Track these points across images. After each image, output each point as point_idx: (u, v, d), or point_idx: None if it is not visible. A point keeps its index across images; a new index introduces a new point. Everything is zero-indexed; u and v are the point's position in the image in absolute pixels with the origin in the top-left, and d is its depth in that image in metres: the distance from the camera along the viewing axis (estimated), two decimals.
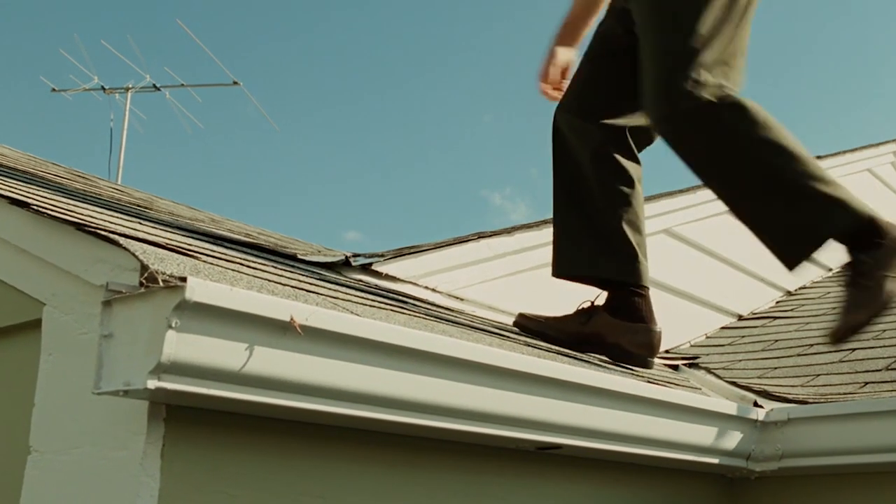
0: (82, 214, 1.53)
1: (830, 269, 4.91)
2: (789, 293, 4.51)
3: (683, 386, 2.45)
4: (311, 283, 1.63)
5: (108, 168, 9.43)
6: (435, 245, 2.59)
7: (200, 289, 1.09)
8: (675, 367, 3.34)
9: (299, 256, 2.07)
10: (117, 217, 1.70)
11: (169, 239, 1.56)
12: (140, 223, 1.74)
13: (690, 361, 3.42)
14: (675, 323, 3.82)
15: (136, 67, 9.66)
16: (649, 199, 3.71)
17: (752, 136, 2.04)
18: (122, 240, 1.26)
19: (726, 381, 2.97)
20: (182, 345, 1.09)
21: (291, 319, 1.18)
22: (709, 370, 3.24)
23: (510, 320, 2.74)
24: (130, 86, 9.79)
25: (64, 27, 16.45)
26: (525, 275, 2.88)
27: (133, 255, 1.19)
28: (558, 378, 1.60)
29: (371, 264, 2.27)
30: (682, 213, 3.86)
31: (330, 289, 1.67)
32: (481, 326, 2.01)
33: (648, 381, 1.94)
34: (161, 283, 1.10)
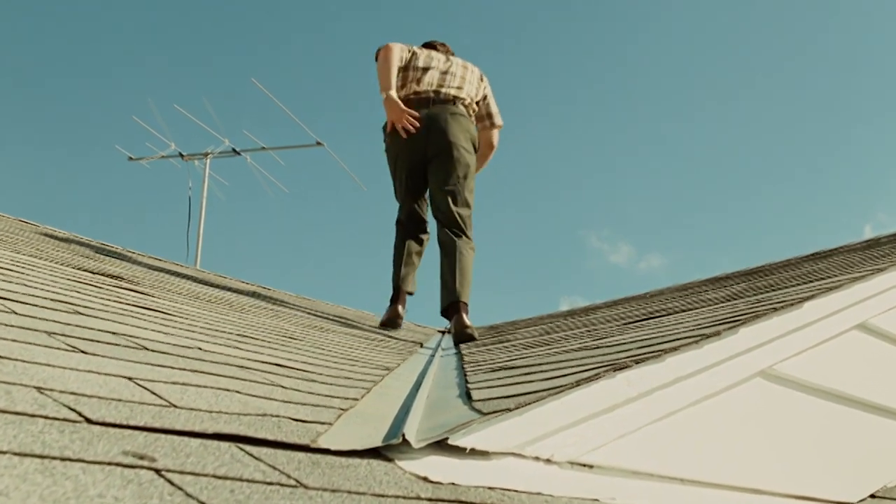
0: None
1: None
2: None
3: None
4: None
5: (186, 238, 8.94)
6: (548, 389, 1.72)
7: None
8: None
9: (316, 446, 1.23)
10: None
11: None
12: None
13: None
14: (882, 450, 2.80)
15: (213, 132, 9.21)
16: (833, 288, 2.74)
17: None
18: None
19: None
20: None
21: None
22: None
23: (665, 491, 1.84)
24: (209, 151, 9.34)
25: (136, 93, 16.28)
26: (682, 415, 1.97)
27: None
28: None
29: (446, 439, 1.41)
30: (876, 299, 2.88)
31: None
32: None
33: None
34: None
